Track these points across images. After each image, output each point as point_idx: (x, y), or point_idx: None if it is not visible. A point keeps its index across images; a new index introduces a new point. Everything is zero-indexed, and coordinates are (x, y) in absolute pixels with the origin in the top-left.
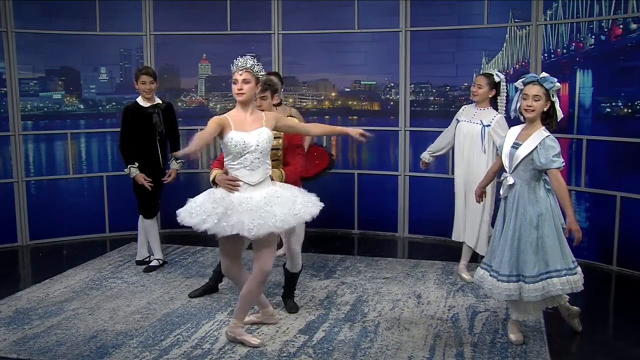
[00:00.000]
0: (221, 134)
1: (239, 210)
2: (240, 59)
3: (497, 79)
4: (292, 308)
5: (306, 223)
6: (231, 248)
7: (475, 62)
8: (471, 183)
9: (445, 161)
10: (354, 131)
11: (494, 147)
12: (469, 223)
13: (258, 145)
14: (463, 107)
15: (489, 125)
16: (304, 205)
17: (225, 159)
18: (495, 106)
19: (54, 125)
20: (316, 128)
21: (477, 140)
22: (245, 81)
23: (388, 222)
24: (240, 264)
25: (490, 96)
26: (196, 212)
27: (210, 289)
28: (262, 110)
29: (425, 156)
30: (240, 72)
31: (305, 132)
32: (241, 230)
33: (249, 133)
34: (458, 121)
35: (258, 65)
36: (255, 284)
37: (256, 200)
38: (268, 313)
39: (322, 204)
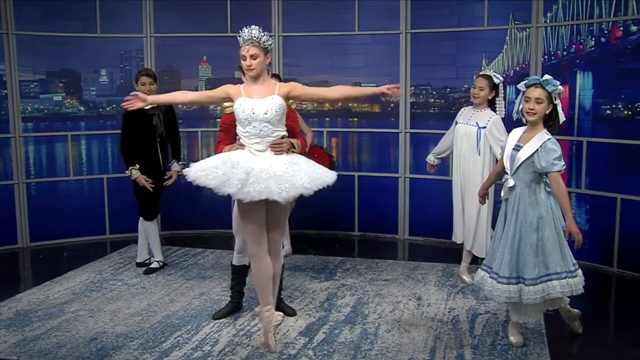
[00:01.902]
0: (231, 102)
1: (263, 177)
2: (246, 30)
3: (496, 81)
4: (287, 310)
5: (304, 224)
6: (257, 214)
7: (475, 64)
8: (468, 185)
9: (445, 163)
10: (380, 90)
11: (490, 149)
12: (466, 225)
13: (266, 114)
14: (462, 109)
15: (485, 127)
16: (322, 170)
17: (237, 127)
18: (492, 107)
19: (54, 127)
20: (334, 92)
21: (473, 142)
22: (253, 57)
23: (388, 224)
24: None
25: (490, 98)
26: (213, 173)
27: (235, 308)
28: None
29: (431, 159)
30: (247, 48)
31: (323, 96)
32: (270, 195)
33: (258, 101)
34: (457, 123)
35: (265, 34)
36: (277, 263)
37: (277, 166)
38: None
39: (335, 173)
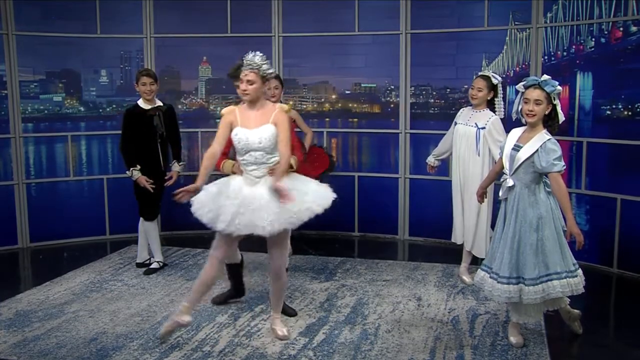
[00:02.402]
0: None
1: (251, 207)
2: (249, 56)
3: (495, 82)
4: (288, 311)
5: (304, 224)
6: (233, 240)
7: (475, 65)
8: (467, 185)
9: (445, 164)
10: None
11: (489, 149)
12: (466, 225)
13: (260, 143)
14: (462, 109)
15: (484, 128)
16: (315, 197)
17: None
18: (491, 108)
19: (54, 128)
20: (282, 157)
21: (473, 143)
22: (249, 82)
23: (388, 225)
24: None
25: (489, 98)
26: (210, 207)
27: (232, 296)
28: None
29: (431, 160)
30: (245, 72)
31: (280, 149)
32: (254, 230)
33: (253, 130)
34: (456, 124)
35: (266, 63)
36: (279, 282)
37: (268, 195)
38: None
39: (333, 195)
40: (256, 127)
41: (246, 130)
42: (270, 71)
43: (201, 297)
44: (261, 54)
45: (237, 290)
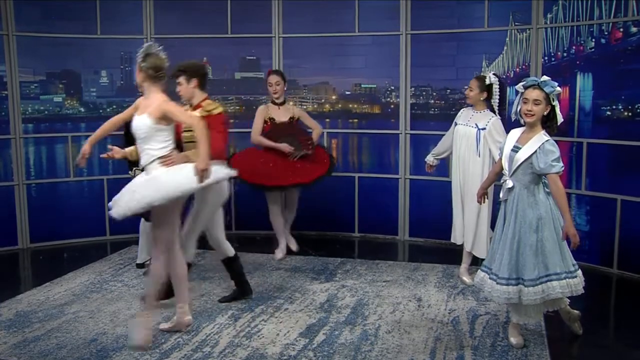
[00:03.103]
0: None
1: (123, 192)
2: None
3: (487, 82)
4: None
5: (304, 225)
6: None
7: (475, 65)
8: (467, 186)
9: (446, 164)
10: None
11: (489, 150)
12: (466, 226)
13: (135, 131)
14: (462, 110)
15: (484, 129)
16: (146, 189)
17: None
18: (492, 108)
19: (54, 128)
20: (199, 136)
21: (473, 144)
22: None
23: (388, 225)
24: (175, 235)
25: (482, 98)
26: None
27: (238, 297)
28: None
29: (430, 159)
30: None
31: (186, 124)
32: (115, 212)
33: (136, 117)
34: (456, 124)
35: (142, 54)
36: (171, 261)
37: (137, 183)
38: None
39: (180, 188)
40: (139, 115)
41: (135, 117)
42: (144, 64)
43: (185, 291)
44: (149, 45)
45: (241, 290)
